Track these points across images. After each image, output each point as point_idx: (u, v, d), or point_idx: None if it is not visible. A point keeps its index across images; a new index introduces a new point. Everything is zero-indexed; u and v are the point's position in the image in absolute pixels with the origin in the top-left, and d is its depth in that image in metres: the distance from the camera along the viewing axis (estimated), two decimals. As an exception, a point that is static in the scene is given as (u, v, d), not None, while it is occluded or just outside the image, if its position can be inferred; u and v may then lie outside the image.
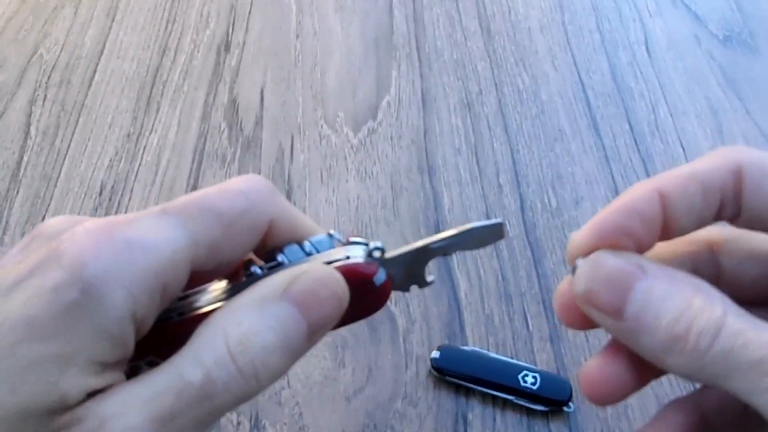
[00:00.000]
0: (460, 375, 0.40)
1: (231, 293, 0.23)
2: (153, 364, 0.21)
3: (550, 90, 0.58)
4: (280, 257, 0.23)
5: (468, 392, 0.41)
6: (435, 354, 0.41)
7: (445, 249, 0.24)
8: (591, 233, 0.22)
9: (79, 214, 0.50)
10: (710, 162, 0.22)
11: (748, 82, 0.58)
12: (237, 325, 0.21)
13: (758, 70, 0.59)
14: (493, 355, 0.41)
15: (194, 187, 0.51)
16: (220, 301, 0.23)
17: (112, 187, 0.51)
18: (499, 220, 0.23)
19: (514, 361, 0.41)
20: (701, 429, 0.24)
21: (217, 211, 0.22)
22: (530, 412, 0.40)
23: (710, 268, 0.24)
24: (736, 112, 0.56)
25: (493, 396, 0.40)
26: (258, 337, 0.21)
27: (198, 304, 0.23)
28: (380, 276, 0.24)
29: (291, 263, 0.23)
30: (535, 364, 0.42)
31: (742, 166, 0.22)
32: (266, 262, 0.24)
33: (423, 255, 0.24)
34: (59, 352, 0.19)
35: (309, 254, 0.23)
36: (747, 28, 0.63)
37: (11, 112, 0.57)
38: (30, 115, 0.56)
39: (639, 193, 0.22)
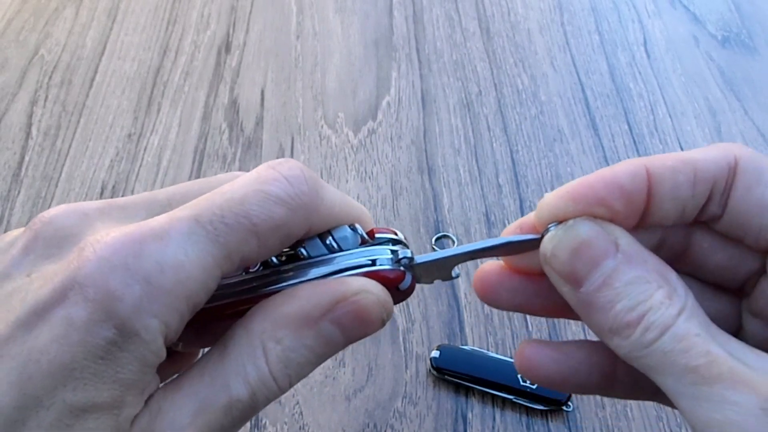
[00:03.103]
0: (459, 374, 0.40)
1: (253, 284, 0.22)
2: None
3: (549, 90, 0.58)
4: (299, 249, 0.22)
5: (468, 391, 0.41)
6: (435, 353, 0.41)
7: (476, 256, 0.23)
8: (565, 198, 0.21)
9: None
10: (707, 151, 0.21)
11: (746, 82, 0.58)
12: (276, 342, 0.20)
13: (756, 71, 0.59)
14: (493, 354, 0.41)
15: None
16: (242, 293, 0.22)
17: (113, 187, 0.52)
18: (537, 235, 0.22)
19: (513, 360, 0.41)
20: (607, 379, 0.24)
21: (253, 222, 0.20)
22: (529, 411, 0.40)
23: (680, 239, 0.23)
24: (734, 112, 0.56)
25: (493, 395, 0.40)
26: (296, 355, 0.20)
27: (218, 292, 0.22)
28: (406, 282, 0.23)
29: (310, 257, 0.22)
30: (535, 364, 0.42)
31: (738, 162, 0.21)
32: None
33: (453, 260, 0.24)
34: (109, 397, 0.18)
35: (331, 251, 0.23)
36: (745, 28, 0.63)
37: (12, 112, 0.57)
38: (31, 115, 0.57)
39: (625, 166, 0.21)
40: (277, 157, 0.53)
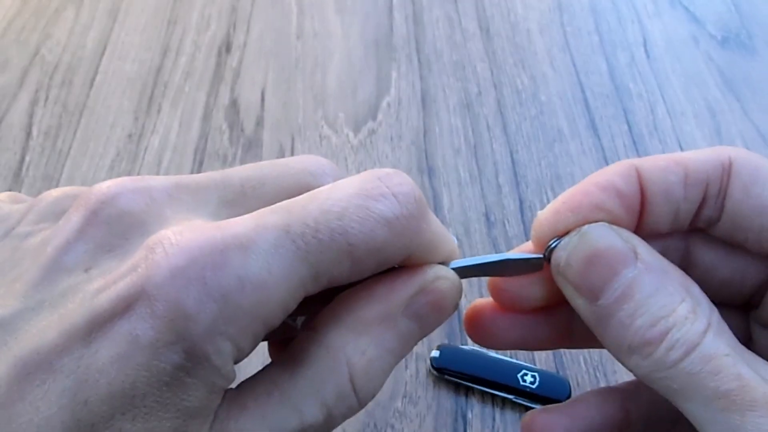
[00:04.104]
0: (459, 374, 0.41)
1: None
2: None
3: (549, 91, 0.58)
4: None
5: (468, 391, 0.41)
6: (435, 353, 0.41)
7: (471, 273, 0.22)
8: (563, 211, 0.20)
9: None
10: (699, 152, 0.20)
11: (746, 83, 0.58)
12: (361, 354, 0.18)
13: (756, 72, 0.59)
14: (493, 354, 0.42)
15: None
16: None
17: (114, 187, 0.52)
18: (538, 255, 0.21)
19: (513, 360, 0.41)
20: (621, 425, 0.22)
21: (350, 242, 0.17)
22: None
23: (680, 255, 0.22)
24: (734, 113, 0.56)
25: (493, 395, 0.40)
26: (380, 363, 0.19)
27: None
28: None
29: None
30: (534, 363, 0.42)
31: (733, 162, 0.20)
32: None
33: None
34: (171, 428, 0.16)
35: None
36: (745, 29, 0.63)
37: (13, 113, 0.57)
38: (32, 115, 0.57)
39: (616, 168, 0.20)
40: (278, 157, 0.54)
